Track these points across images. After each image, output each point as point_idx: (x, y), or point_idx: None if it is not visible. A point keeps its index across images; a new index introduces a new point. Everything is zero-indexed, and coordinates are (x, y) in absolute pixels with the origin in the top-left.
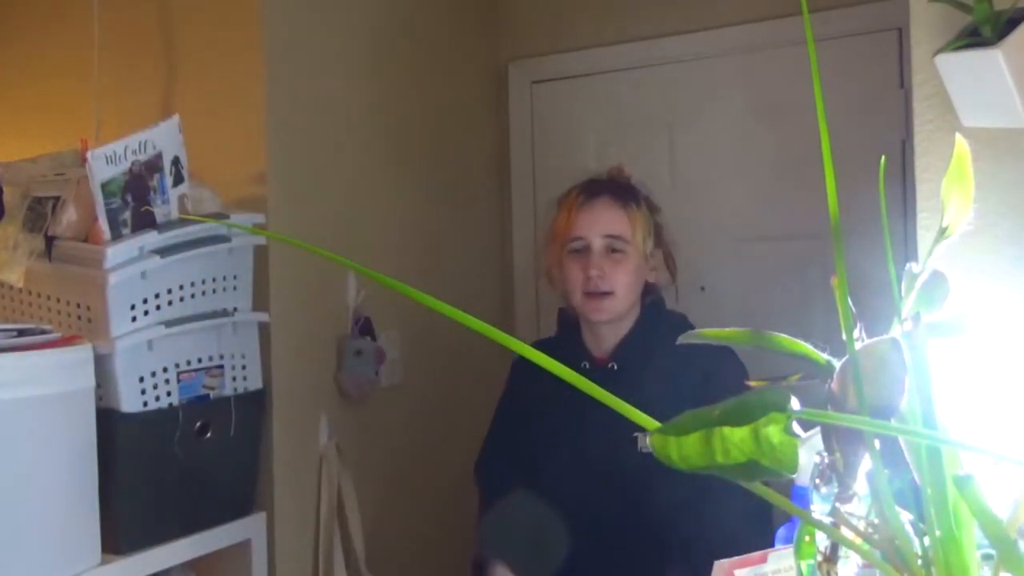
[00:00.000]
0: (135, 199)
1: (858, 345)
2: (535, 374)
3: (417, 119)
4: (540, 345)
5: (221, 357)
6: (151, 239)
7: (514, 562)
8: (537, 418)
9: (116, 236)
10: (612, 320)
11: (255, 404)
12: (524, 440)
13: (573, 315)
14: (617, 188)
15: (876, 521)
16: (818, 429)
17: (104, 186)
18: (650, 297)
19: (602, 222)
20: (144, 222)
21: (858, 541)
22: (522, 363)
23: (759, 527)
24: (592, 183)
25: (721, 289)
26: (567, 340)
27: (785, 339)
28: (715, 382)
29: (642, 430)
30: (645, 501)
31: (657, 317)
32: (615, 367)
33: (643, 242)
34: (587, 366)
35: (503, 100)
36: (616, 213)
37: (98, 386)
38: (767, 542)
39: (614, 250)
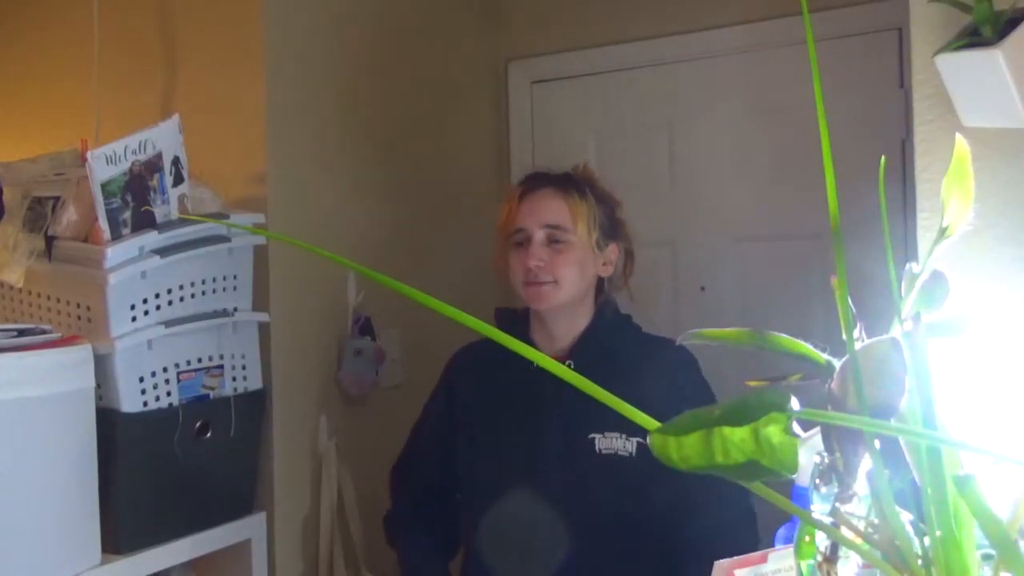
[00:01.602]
0: (135, 199)
1: (858, 345)
2: (476, 377)
3: (417, 119)
4: (476, 348)
5: (221, 357)
6: (151, 239)
7: None
8: (480, 424)
9: (116, 236)
10: (556, 309)
11: (255, 404)
12: (458, 449)
13: (519, 313)
14: (561, 179)
15: (876, 521)
16: (818, 429)
17: (104, 186)
18: (603, 296)
19: (541, 212)
20: (144, 222)
21: (858, 541)
22: (460, 365)
23: (731, 534)
24: (535, 175)
25: (721, 289)
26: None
27: (785, 339)
28: (683, 399)
29: (599, 431)
30: (607, 505)
31: (611, 317)
32: (571, 365)
33: (587, 233)
34: (537, 365)
35: (503, 100)
36: (556, 203)
37: (98, 386)
38: (736, 549)
39: (555, 240)
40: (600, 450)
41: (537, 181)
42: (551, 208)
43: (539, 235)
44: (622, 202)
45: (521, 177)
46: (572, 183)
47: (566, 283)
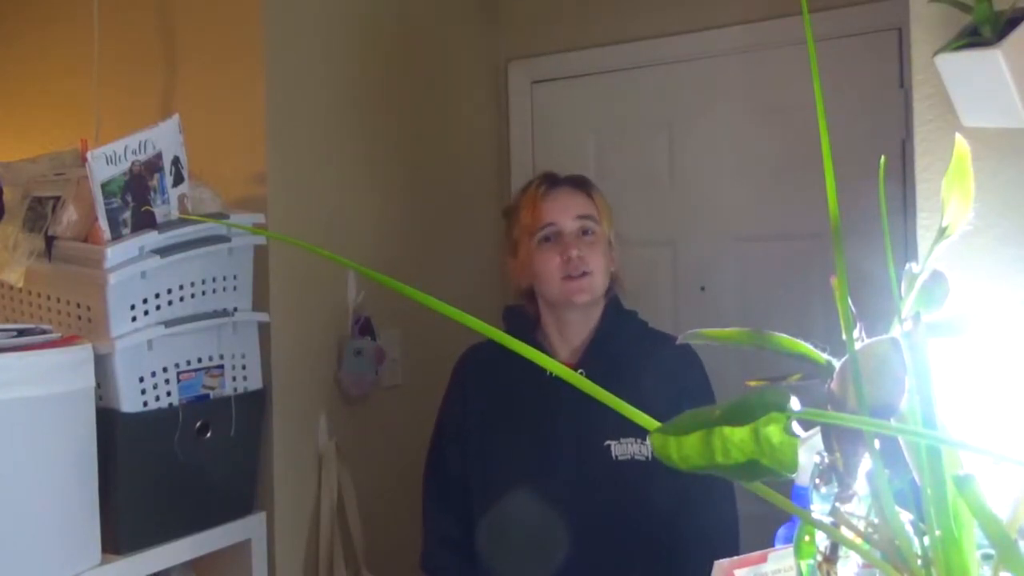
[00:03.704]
0: (135, 199)
1: (858, 345)
2: (487, 378)
3: (417, 119)
4: (485, 348)
5: (221, 357)
6: (151, 239)
7: None
8: (492, 425)
9: (116, 236)
10: (591, 302)
11: (255, 404)
12: (470, 450)
13: (530, 313)
14: (574, 178)
15: (876, 521)
16: (818, 429)
17: (104, 186)
18: (609, 295)
19: (571, 205)
20: (144, 222)
21: (858, 541)
22: (471, 366)
23: (730, 539)
24: (549, 175)
25: (721, 289)
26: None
27: (785, 339)
28: (686, 395)
29: (615, 438)
30: (617, 508)
31: (618, 316)
32: (583, 373)
33: (608, 226)
34: (552, 373)
35: (503, 100)
36: (580, 196)
37: (98, 386)
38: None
39: (586, 232)
40: (617, 456)
41: (554, 180)
42: (578, 201)
43: (572, 227)
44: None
45: (531, 180)
46: (586, 181)
47: (598, 274)
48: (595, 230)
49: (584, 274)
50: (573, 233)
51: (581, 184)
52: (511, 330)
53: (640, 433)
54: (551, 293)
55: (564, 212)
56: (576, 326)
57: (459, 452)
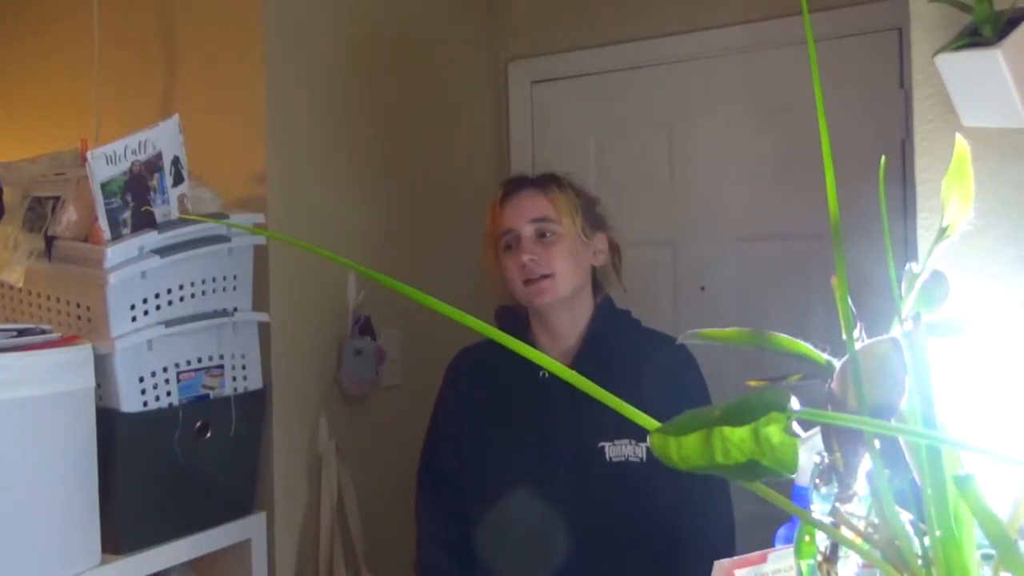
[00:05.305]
0: (135, 199)
1: (858, 345)
2: (481, 379)
3: (417, 119)
4: (479, 349)
5: (221, 357)
6: (151, 239)
7: None
8: (487, 425)
9: (116, 236)
10: (558, 304)
11: (255, 404)
12: (464, 451)
13: (522, 313)
14: (537, 178)
15: (876, 521)
16: (818, 429)
17: (104, 186)
18: (601, 294)
19: (525, 209)
20: (144, 222)
21: (858, 541)
22: (465, 366)
23: (728, 539)
24: (512, 179)
25: (721, 289)
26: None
27: (785, 339)
28: (684, 395)
29: (608, 440)
30: (613, 508)
31: (611, 316)
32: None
33: (572, 223)
34: (546, 375)
35: (503, 100)
36: (537, 198)
37: (98, 386)
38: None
39: (544, 234)
40: (610, 458)
41: (516, 184)
42: (533, 204)
43: (528, 231)
44: (599, 198)
45: (500, 184)
46: (550, 179)
47: (562, 275)
48: (554, 230)
49: (544, 277)
50: (529, 237)
51: (542, 184)
52: (503, 331)
53: (634, 435)
54: (518, 297)
55: (520, 217)
56: (563, 327)
57: (453, 452)
